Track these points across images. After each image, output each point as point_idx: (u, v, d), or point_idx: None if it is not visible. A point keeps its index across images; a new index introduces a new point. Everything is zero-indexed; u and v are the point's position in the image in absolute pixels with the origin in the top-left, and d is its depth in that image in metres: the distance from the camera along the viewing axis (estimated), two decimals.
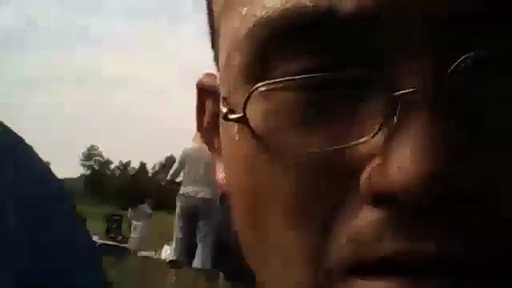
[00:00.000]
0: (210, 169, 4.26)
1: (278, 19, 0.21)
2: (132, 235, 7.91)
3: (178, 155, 4.94)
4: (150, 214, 8.04)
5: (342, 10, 0.20)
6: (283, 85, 0.22)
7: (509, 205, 0.20)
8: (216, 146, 0.28)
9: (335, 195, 0.21)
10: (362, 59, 0.21)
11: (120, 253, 8.16)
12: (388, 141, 0.20)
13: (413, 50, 0.20)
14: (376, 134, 0.20)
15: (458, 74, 0.19)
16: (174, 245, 4.79)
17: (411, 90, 0.20)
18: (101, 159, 59.36)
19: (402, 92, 0.20)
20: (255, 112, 0.22)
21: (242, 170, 0.24)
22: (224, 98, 0.25)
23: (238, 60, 0.23)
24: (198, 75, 0.31)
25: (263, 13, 0.22)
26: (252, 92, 0.22)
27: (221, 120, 0.25)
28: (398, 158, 0.19)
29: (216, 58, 0.27)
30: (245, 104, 0.22)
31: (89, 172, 58.27)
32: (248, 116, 0.22)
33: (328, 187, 0.21)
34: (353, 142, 0.20)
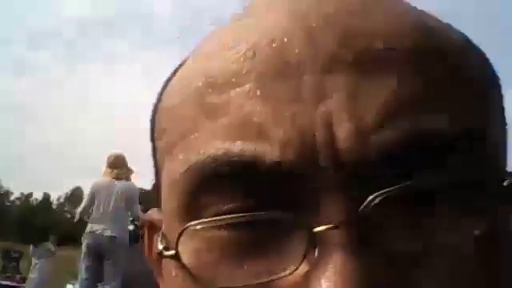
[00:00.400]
0: (119, 204, 4.08)
1: (207, 167, 0.23)
2: (31, 275, 7.38)
3: (85, 186, 4.70)
4: (54, 252, 7.57)
5: (266, 161, 0.23)
6: (212, 224, 0.24)
7: None
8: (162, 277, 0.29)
9: None
10: (284, 202, 0.23)
11: None
12: (308, 276, 0.22)
13: (327, 193, 0.22)
14: (296, 269, 0.22)
15: (369, 211, 0.22)
16: (78, 286, 4.51)
17: (327, 226, 0.22)
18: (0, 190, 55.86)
19: (319, 229, 0.22)
20: (189, 249, 0.24)
21: None
22: (163, 234, 0.27)
23: (173, 200, 0.25)
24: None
25: (195, 160, 0.24)
26: (183, 231, 0.24)
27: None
28: None
29: (160, 188, 0.29)
30: (177, 242, 0.24)
31: None
32: (182, 253, 0.24)
33: None
34: (275, 276, 0.22)
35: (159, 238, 0.27)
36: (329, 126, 0.22)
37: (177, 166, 0.25)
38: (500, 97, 0.29)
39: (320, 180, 0.22)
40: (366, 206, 0.22)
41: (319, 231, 0.22)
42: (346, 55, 0.23)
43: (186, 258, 0.24)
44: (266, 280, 0.22)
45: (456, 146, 0.23)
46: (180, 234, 0.24)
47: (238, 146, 0.23)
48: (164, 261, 0.27)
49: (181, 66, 0.29)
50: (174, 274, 0.25)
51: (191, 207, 0.24)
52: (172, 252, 0.24)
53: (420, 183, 0.22)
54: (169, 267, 0.26)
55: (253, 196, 0.23)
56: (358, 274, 0.21)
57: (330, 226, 0.22)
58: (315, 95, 0.23)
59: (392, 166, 0.22)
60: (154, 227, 0.31)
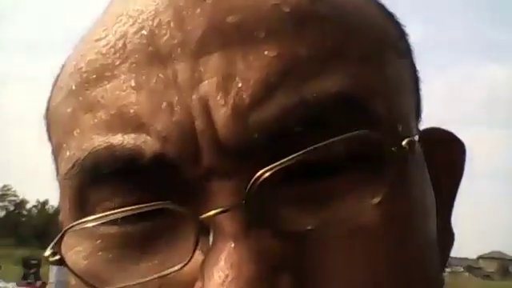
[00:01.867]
0: None
1: (89, 163, 0.23)
2: (51, 280, 7.45)
3: None
4: None
5: (147, 154, 0.22)
6: (93, 224, 0.23)
7: None
8: None
9: None
10: (171, 194, 0.22)
11: None
12: (203, 265, 0.21)
13: (214, 181, 0.22)
14: (189, 261, 0.21)
15: (257, 191, 0.21)
16: None
17: (214, 211, 0.21)
18: (16, 199, 56.57)
19: (206, 215, 0.21)
20: (79, 252, 0.23)
21: None
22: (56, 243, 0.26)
23: (64, 201, 0.25)
24: None
25: (78, 156, 0.23)
26: (64, 232, 0.23)
27: None
28: (212, 285, 0.20)
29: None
30: (59, 244, 0.23)
31: (3, 214, 55.28)
32: (71, 256, 0.23)
33: None
34: (170, 270, 0.22)
35: (52, 244, 0.25)
36: (206, 112, 0.22)
37: (64, 165, 0.24)
38: (409, 57, 0.28)
39: (204, 168, 0.22)
40: (251, 186, 0.21)
41: (207, 217, 0.21)
42: (217, 36, 0.22)
43: (76, 262, 0.23)
44: (160, 275, 0.22)
45: (342, 113, 0.22)
46: (61, 236, 0.23)
47: (118, 139, 0.22)
48: None
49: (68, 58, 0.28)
50: (72, 282, 0.24)
51: (81, 206, 0.24)
52: (57, 257, 0.23)
53: (308, 155, 0.21)
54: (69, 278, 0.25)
55: (139, 191, 0.22)
56: (252, 259, 0.20)
57: (218, 210, 0.21)
58: (189, 81, 0.22)
59: (276, 143, 0.21)
60: None
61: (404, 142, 0.23)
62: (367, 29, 0.25)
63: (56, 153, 0.27)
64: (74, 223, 0.23)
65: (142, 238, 0.23)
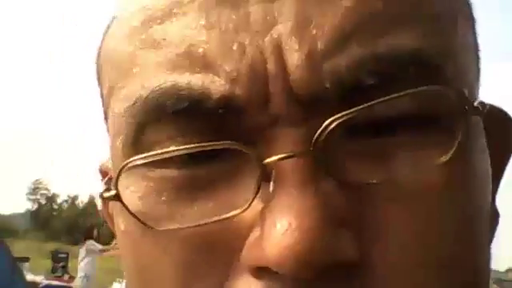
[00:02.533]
0: None
1: (153, 100, 0.22)
2: (79, 274, 7.56)
3: None
4: (100, 250, 7.73)
5: (214, 94, 0.21)
6: (155, 158, 0.22)
7: (392, 269, 0.21)
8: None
9: (219, 271, 0.21)
10: (235, 137, 0.21)
11: None
12: (264, 212, 0.20)
13: (281, 126, 0.21)
14: (251, 203, 0.21)
15: (325, 139, 0.20)
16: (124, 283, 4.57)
17: (280, 156, 0.20)
18: (47, 193, 57.56)
19: (270, 160, 0.20)
20: (134, 190, 0.23)
21: (130, 254, 0.24)
22: (109, 178, 0.25)
23: (119, 141, 0.24)
24: None
25: (139, 94, 0.22)
26: (123, 167, 0.22)
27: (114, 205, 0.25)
28: (273, 232, 0.19)
29: (108, 131, 0.27)
30: (116, 179, 0.22)
31: (35, 207, 56.30)
32: (125, 194, 0.23)
33: (210, 264, 0.21)
34: (228, 215, 0.21)
35: (103, 182, 0.25)
36: (279, 55, 0.21)
37: (120, 103, 0.24)
38: (472, 22, 0.27)
39: (273, 112, 0.21)
40: (320, 134, 0.20)
41: (271, 162, 0.20)
42: None
43: (130, 200, 0.22)
44: (216, 219, 0.21)
45: (414, 69, 0.21)
46: (120, 171, 0.22)
47: (185, 78, 0.22)
48: (116, 214, 0.26)
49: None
50: (122, 227, 0.24)
51: (137, 144, 0.23)
52: (112, 192, 0.23)
53: (378, 108, 0.21)
54: (118, 221, 0.25)
55: (202, 133, 0.22)
56: (316, 209, 0.19)
57: (283, 155, 0.20)
58: (263, 24, 0.21)
59: (347, 94, 0.21)
60: (107, 176, 0.30)
61: (476, 103, 0.23)
62: None
63: (108, 95, 0.26)
64: (134, 158, 0.22)
65: (199, 181, 0.22)
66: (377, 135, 0.22)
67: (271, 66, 0.21)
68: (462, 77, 0.24)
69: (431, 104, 0.22)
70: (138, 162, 0.22)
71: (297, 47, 0.21)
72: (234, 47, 0.21)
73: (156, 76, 0.22)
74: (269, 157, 0.21)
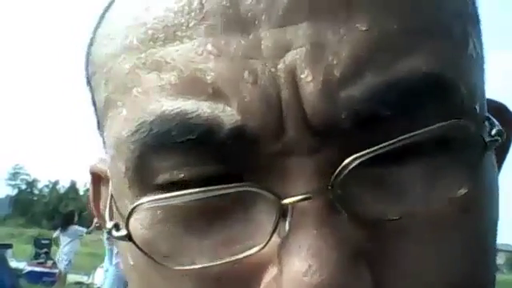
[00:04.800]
0: None
1: (158, 128, 0.21)
2: (62, 259, 7.53)
3: None
4: (82, 234, 7.71)
5: (226, 125, 0.20)
6: (167, 202, 0.21)
7: None
8: None
9: None
10: (247, 169, 0.21)
11: (50, 279, 7.74)
12: (281, 251, 0.20)
13: (297, 153, 0.20)
14: (267, 243, 0.20)
15: (344, 178, 0.20)
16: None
17: (299, 197, 0.20)
18: (27, 178, 57.03)
19: (290, 200, 0.20)
20: (141, 221, 0.22)
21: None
22: (110, 207, 0.24)
23: (120, 164, 0.23)
24: None
25: (143, 120, 0.21)
26: (133, 209, 0.21)
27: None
28: (292, 274, 0.19)
29: (103, 142, 0.26)
30: (127, 220, 0.21)
31: (15, 192, 55.78)
32: (133, 228, 0.22)
33: None
34: (244, 254, 0.20)
35: (107, 212, 0.24)
36: (293, 83, 0.20)
37: (121, 125, 0.23)
38: (479, 24, 0.26)
39: (287, 142, 0.20)
40: (339, 172, 0.20)
41: (290, 202, 0.20)
42: (306, 3, 0.21)
43: (137, 231, 0.22)
44: (234, 259, 0.20)
45: (430, 94, 0.21)
46: (130, 213, 0.21)
47: (192, 106, 0.20)
48: (120, 243, 0.24)
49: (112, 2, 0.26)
50: (132, 262, 0.23)
51: (142, 171, 0.22)
52: (123, 233, 0.22)
53: (397, 144, 0.20)
54: (125, 254, 0.24)
55: (212, 161, 0.21)
56: (335, 248, 0.19)
57: (302, 196, 0.20)
58: (275, 50, 0.20)
59: (363, 125, 0.20)
60: (100, 179, 0.29)
61: (494, 132, 0.23)
62: (454, 3, 0.24)
63: (105, 106, 0.24)
64: (144, 201, 0.21)
65: (211, 210, 0.21)
66: (391, 163, 0.21)
67: (285, 94, 0.20)
68: (475, 90, 0.23)
69: (449, 134, 0.21)
70: (148, 206, 0.21)
71: (311, 75, 0.20)
72: (245, 75, 0.20)
73: (159, 101, 0.21)
74: (285, 192, 0.20)
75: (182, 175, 0.21)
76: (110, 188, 0.25)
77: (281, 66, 0.20)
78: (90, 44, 0.26)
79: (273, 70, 0.20)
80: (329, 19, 0.21)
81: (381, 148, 0.20)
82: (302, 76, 0.20)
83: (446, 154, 0.21)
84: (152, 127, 0.21)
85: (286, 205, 0.20)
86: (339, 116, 0.20)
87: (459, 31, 0.23)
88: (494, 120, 0.24)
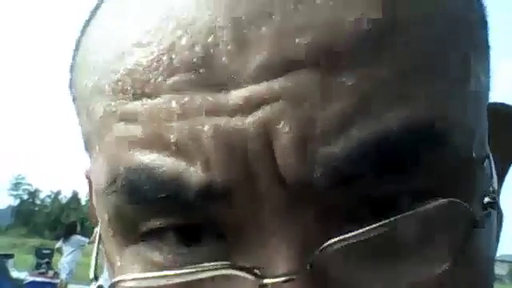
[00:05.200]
0: None
1: (131, 185, 0.21)
2: (63, 269, 7.51)
3: None
4: (83, 244, 7.69)
5: (192, 185, 0.20)
6: (145, 276, 0.21)
7: None
8: None
9: None
10: (221, 225, 0.20)
11: None
12: None
13: (270, 222, 0.20)
14: None
15: (324, 258, 0.19)
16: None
17: (280, 279, 0.19)
18: (29, 188, 57.01)
19: (270, 281, 0.19)
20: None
21: None
22: (100, 239, 0.25)
23: (103, 212, 0.23)
24: None
25: (116, 172, 0.22)
26: (116, 283, 0.22)
27: None
28: None
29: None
30: None
31: (17, 202, 55.75)
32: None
33: None
34: None
35: (93, 258, 0.25)
36: (264, 136, 0.19)
37: (99, 174, 0.23)
38: (487, 50, 0.24)
39: (258, 198, 0.20)
40: (320, 254, 0.19)
41: (270, 283, 0.19)
42: (284, 60, 0.19)
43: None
44: None
45: (417, 149, 0.20)
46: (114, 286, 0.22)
47: (158, 161, 0.20)
48: None
49: (96, 12, 0.25)
50: None
51: (122, 221, 0.22)
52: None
53: (388, 224, 0.19)
54: None
55: (185, 215, 0.21)
56: None
57: (283, 278, 0.19)
58: (244, 106, 0.19)
59: (343, 185, 0.19)
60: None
61: (486, 200, 0.22)
62: (453, 33, 0.22)
63: (87, 142, 0.25)
64: (127, 277, 0.22)
65: (189, 285, 0.21)
66: (372, 257, 0.20)
67: (253, 147, 0.19)
68: (472, 133, 0.22)
69: (437, 213, 0.20)
70: (131, 285, 0.22)
71: (286, 129, 0.19)
72: (208, 132, 0.20)
73: (128, 153, 0.21)
74: (261, 263, 0.20)
75: (159, 223, 0.21)
76: (99, 229, 0.25)
77: (249, 119, 0.19)
78: (71, 68, 0.26)
79: (239, 123, 0.19)
80: (310, 71, 0.19)
81: (363, 233, 0.19)
82: (277, 127, 0.19)
83: (430, 227, 0.20)
84: (124, 182, 0.21)
85: (266, 283, 0.19)
86: (313, 173, 0.19)
87: (458, 66, 0.22)
88: (492, 161, 0.23)
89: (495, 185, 0.23)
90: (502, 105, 0.27)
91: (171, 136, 0.20)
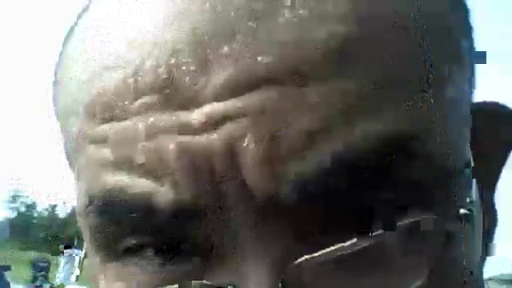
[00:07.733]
0: None
1: (105, 206, 0.22)
2: (59, 282, 7.47)
3: None
4: (80, 257, 7.65)
5: (161, 206, 0.20)
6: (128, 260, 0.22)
7: None
8: None
9: None
10: (193, 242, 0.21)
11: None
12: None
13: (239, 230, 0.20)
14: None
15: (298, 271, 0.19)
16: None
17: None
18: (27, 201, 56.74)
19: None
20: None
21: None
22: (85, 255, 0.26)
23: (85, 231, 0.24)
24: None
25: (92, 193, 0.22)
26: None
27: None
28: None
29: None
30: None
31: (14, 215, 55.44)
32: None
33: None
34: None
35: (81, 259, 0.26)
36: (229, 154, 0.20)
37: (77, 196, 0.24)
38: (469, 66, 0.24)
39: (227, 218, 0.20)
40: (292, 269, 0.19)
41: None
42: (248, 79, 0.20)
43: None
44: None
45: (388, 163, 0.20)
46: None
47: (128, 183, 0.21)
48: None
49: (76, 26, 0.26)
50: None
51: (101, 240, 0.23)
52: None
53: (351, 249, 0.19)
54: None
55: (159, 233, 0.21)
56: None
57: None
58: (209, 123, 0.20)
59: (312, 201, 0.19)
60: None
61: (461, 212, 0.21)
62: (426, 45, 0.22)
63: (68, 160, 0.26)
64: None
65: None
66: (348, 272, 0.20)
67: (218, 164, 0.20)
68: (447, 145, 0.22)
69: (410, 229, 0.20)
70: None
71: (252, 144, 0.19)
72: (173, 151, 0.20)
73: (100, 175, 0.22)
74: (236, 280, 0.20)
75: (135, 242, 0.22)
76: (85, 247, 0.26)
77: (213, 136, 0.20)
78: (54, 83, 0.27)
79: (203, 141, 0.20)
80: (275, 88, 0.20)
81: (335, 250, 0.19)
82: (242, 144, 0.19)
83: (405, 240, 0.20)
84: (98, 203, 0.22)
85: None
86: (281, 189, 0.19)
87: (431, 77, 0.21)
88: (472, 169, 0.22)
89: (473, 195, 0.23)
90: (490, 104, 0.27)
91: (139, 157, 0.21)
